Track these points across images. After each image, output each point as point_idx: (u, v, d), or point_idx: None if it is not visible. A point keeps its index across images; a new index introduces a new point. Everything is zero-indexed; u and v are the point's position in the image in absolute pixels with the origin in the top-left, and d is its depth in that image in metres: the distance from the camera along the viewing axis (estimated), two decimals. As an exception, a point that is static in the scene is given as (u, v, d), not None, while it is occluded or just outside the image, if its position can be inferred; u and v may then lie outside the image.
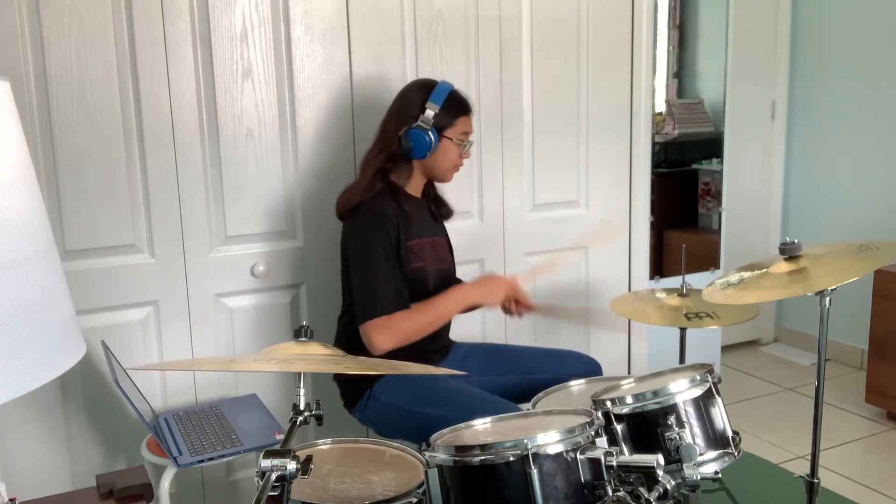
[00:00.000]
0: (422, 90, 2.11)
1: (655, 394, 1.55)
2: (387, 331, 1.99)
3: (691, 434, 1.55)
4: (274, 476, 1.21)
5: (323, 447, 1.77)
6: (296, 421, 1.45)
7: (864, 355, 3.95)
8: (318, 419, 1.49)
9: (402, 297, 2.05)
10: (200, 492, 2.37)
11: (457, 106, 2.12)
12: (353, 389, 2.15)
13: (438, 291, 2.20)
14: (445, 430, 1.49)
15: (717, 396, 1.61)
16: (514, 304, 2.26)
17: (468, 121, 2.14)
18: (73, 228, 2.14)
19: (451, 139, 2.11)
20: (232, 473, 2.42)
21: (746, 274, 2.01)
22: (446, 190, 2.34)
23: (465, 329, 2.56)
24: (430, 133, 2.07)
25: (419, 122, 2.06)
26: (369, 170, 2.11)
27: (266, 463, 1.22)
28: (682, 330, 2.44)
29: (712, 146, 3.60)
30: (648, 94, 2.94)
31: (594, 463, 1.30)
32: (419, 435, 2.04)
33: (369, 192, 2.08)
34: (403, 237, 2.08)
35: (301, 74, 2.34)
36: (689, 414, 1.57)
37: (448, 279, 2.27)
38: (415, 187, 2.19)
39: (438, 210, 2.29)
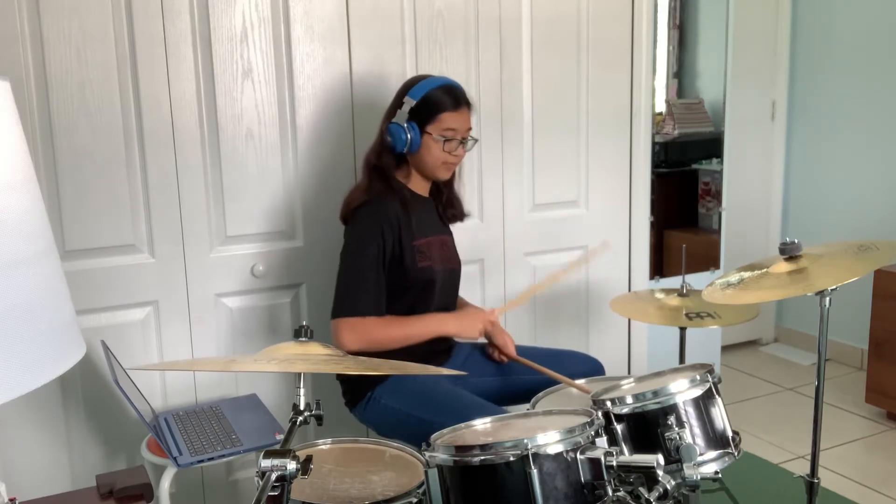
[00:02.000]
0: (408, 84, 2.11)
1: (655, 394, 1.55)
2: (356, 332, 1.99)
3: (691, 434, 1.55)
4: (274, 476, 1.21)
5: (323, 447, 1.77)
6: (296, 421, 1.45)
7: (864, 355, 3.95)
8: (318, 419, 1.49)
9: (379, 303, 2.05)
10: (200, 492, 2.37)
11: (438, 101, 2.06)
12: (354, 389, 2.15)
13: (446, 291, 2.20)
14: (445, 430, 1.49)
15: (717, 396, 1.61)
16: (496, 351, 2.26)
17: (454, 117, 2.07)
18: (73, 228, 2.14)
19: (431, 135, 2.08)
20: (232, 473, 2.42)
21: (746, 274, 2.01)
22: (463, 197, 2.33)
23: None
24: (406, 127, 2.06)
25: (395, 117, 2.08)
26: (365, 168, 2.13)
27: (266, 463, 1.22)
28: (682, 330, 2.44)
29: (712, 146, 3.60)
30: (648, 94, 2.94)
31: (594, 463, 1.30)
32: (419, 440, 2.03)
33: (370, 191, 2.08)
34: (407, 238, 2.07)
35: (301, 74, 2.34)
36: (689, 414, 1.57)
37: (456, 279, 2.27)
38: (418, 185, 2.18)
39: (445, 212, 2.28)
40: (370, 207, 2.06)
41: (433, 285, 2.13)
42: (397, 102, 2.10)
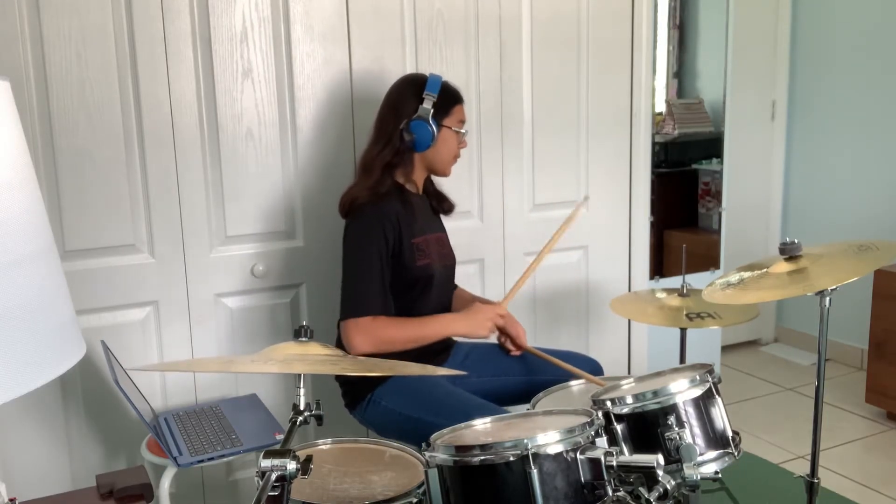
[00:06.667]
0: (415, 83, 2.12)
1: (655, 394, 1.55)
2: (367, 333, 1.98)
3: (691, 434, 1.55)
4: (274, 476, 1.21)
5: (323, 447, 1.77)
6: (296, 421, 1.45)
7: (864, 355, 3.95)
8: (318, 419, 1.49)
9: (387, 302, 2.05)
10: (200, 492, 2.37)
11: (451, 94, 2.13)
12: (354, 391, 2.15)
13: (443, 287, 2.20)
14: (445, 430, 1.49)
15: (717, 396, 1.61)
16: (508, 340, 2.26)
17: (462, 109, 2.17)
18: (73, 228, 2.14)
19: (449, 128, 2.12)
20: (232, 473, 2.42)
21: (746, 274, 2.01)
22: (446, 189, 2.33)
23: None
24: (430, 123, 2.07)
25: (419, 113, 2.07)
26: (377, 167, 2.09)
27: (266, 463, 1.22)
28: (683, 330, 2.44)
29: (712, 146, 3.60)
30: (648, 94, 2.94)
31: (594, 463, 1.30)
32: (419, 441, 2.03)
33: (378, 190, 2.07)
34: (407, 235, 2.07)
35: (301, 74, 2.34)
36: (689, 414, 1.57)
37: (451, 275, 2.27)
38: (416, 184, 2.19)
39: (440, 205, 2.29)
40: (373, 206, 2.05)
41: (431, 282, 2.13)
42: (412, 100, 2.08)
